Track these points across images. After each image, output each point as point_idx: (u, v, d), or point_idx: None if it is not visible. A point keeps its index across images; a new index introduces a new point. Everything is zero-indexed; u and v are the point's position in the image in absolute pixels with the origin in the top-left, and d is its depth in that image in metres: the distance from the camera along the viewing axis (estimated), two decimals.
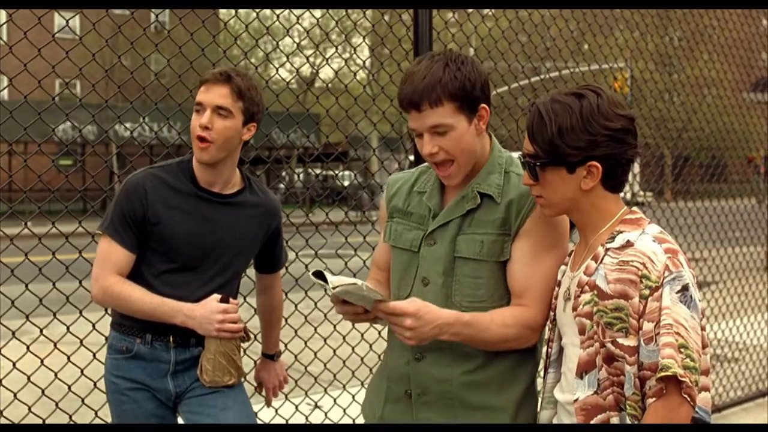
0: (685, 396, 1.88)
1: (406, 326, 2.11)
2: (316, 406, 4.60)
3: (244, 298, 3.17)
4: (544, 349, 2.33)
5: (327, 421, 4.40)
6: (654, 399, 1.91)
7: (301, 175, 26.34)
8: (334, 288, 2.05)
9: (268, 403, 3.24)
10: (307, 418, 4.34)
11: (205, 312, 2.66)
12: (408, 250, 2.40)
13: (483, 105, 2.26)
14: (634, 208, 2.14)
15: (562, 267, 2.25)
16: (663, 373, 1.87)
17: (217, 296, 2.70)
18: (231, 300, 2.70)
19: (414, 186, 2.47)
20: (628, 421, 1.98)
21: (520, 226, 2.27)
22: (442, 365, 2.31)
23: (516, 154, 2.36)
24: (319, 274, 2.09)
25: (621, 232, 2.04)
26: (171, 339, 2.76)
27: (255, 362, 3.27)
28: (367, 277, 2.59)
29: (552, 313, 2.25)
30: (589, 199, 2.08)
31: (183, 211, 2.74)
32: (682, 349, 1.89)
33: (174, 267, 2.75)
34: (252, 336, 2.86)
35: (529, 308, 2.26)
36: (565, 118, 2.01)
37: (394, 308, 2.11)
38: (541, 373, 2.34)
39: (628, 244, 2.00)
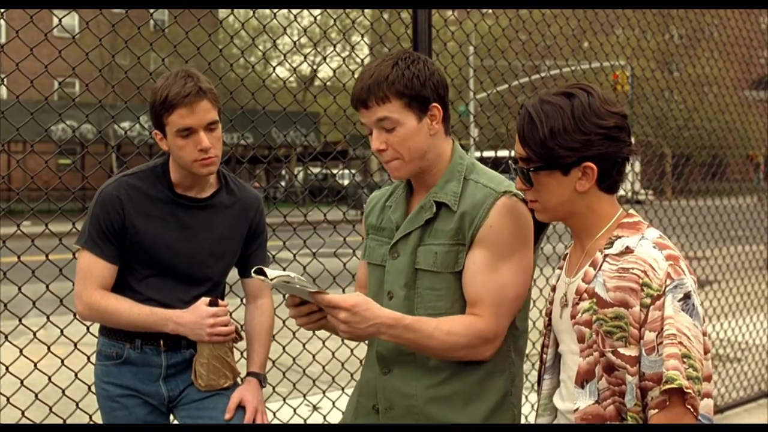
0: (689, 407, 1.84)
1: (341, 319, 2.07)
2: (315, 409, 4.57)
3: (241, 300, 3.12)
4: (539, 354, 2.28)
5: (325, 423, 4.36)
6: (656, 411, 1.87)
7: (300, 174, 26.33)
8: (271, 280, 2.03)
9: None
10: (305, 420, 4.30)
11: (195, 317, 2.61)
12: (380, 265, 2.38)
13: (435, 104, 2.23)
14: (631, 210, 2.09)
15: (557, 271, 2.20)
16: (668, 386, 1.83)
17: (205, 300, 2.65)
18: (220, 302, 2.65)
19: (387, 201, 2.45)
20: None
21: (473, 236, 2.22)
22: (408, 379, 2.28)
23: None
24: (260, 272, 2.07)
25: (619, 237, 1.99)
26: (161, 343, 2.71)
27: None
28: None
29: (547, 318, 2.20)
30: (584, 201, 2.02)
31: (161, 220, 2.68)
32: (685, 359, 1.84)
33: (157, 272, 2.71)
34: (243, 336, 2.82)
35: (481, 318, 2.21)
36: (556, 119, 1.95)
37: (329, 300, 2.07)
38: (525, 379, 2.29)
39: (628, 251, 1.95)
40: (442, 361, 2.25)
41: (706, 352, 1.93)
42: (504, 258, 2.22)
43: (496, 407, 2.29)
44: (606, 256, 1.98)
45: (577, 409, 1.99)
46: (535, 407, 2.27)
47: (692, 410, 1.84)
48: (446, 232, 2.25)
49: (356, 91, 2.24)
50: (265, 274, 2.06)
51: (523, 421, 2.43)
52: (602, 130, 1.95)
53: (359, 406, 2.41)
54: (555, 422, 2.17)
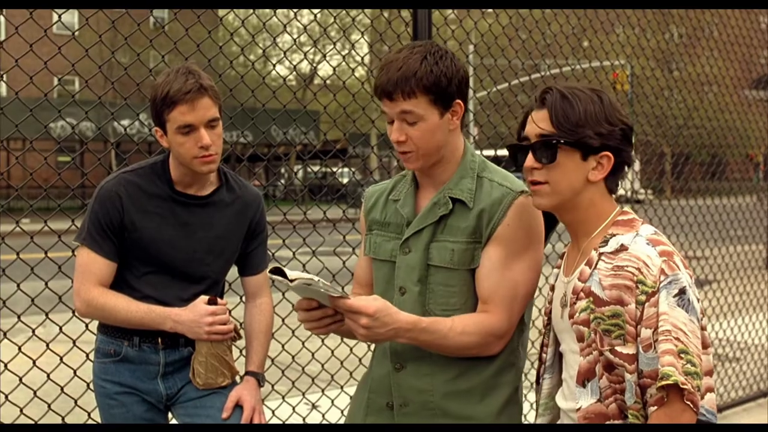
0: (688, 403, 1.83)
1: (362, 324, 2.08)
2: (314, 407, 4.56)
3: (241, 298, 3.11)
4: (538, 354, 2.28)
5: (324, 422, 4.36)
6: (655, 407, 1.87)
7: (300, 173, 26.32)
8: (292, 281, 2.00)
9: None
10: (304, 419, 4.30)
11: (194, 316, 2.60)
12: (388, 261, 2.37)
13: (458, 101, 2.24)
14: (626, 208, 2.10)
15: (555, 271, 2.20)
16: (664, 382, 1.83)
17: (204, 298, 2.64)
18: (219, 300, 2.64)
19: (390, 195, 2.44)
20: None
21: (490, 234, 2.24)
22: (423, 374, 2.29)
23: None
24: (277, 271, 2.04)
25: (614, 235, 2.00)
26: (159, 341, 2.70)
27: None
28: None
29: (545, 318, 2.21)
30: (589, 193, 2.03)
31: (160, 217, 2.68)
32: (682, 355, 1.84)
33: (156, 270, 2.70)
34: (243, 335, 2.81)
35: (493, 315, 2.23)
36: (589, 104, 1.99)
37: (352, 306, 2.07)
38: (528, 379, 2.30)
39: (622, 248, 1.96)
40: (456, 357, 2.26)
41: (706, 346, 1.94)
42: (518, 256, 2.24)
43: (508, 400, 2.31)
44: (601, 254, 1.99)
45: (579, 408, 2.00)
46: (534, 406, 2.27)
47: (692, 406, 1.84)
48: (462, 229, 2.26)
49: (382, 82, 2.21)
50: (283, 274, 2.02)
51: (522, 420, 2.43)
52: (624, 126, 2.01)
53: (370, 403, 2.40)
54: (558, 422, 2.18)
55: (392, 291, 2.33)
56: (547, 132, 2.01)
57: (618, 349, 1.91)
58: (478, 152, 2.46)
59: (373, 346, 2.52)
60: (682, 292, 1.89)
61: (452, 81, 2.20)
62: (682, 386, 1.82)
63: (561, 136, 1.99)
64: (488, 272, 2.23)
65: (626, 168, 2.06)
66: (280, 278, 2.03)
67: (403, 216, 2.35)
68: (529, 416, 4.46)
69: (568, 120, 1.99)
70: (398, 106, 2.20)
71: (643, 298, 1.89)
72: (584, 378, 1.99)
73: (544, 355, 2.22)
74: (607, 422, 1.96)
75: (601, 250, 1.99)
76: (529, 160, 2.04)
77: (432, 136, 2.22)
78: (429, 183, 2.35)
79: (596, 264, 1.98)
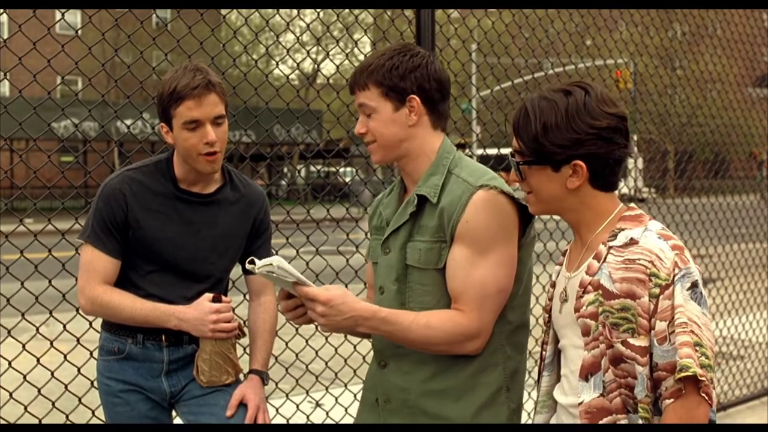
0: (703, 395, 1.85)
1: (318, 312, 2.12)
2: (318, 405, 4.56)
3: (244, 296, 3.12)
4: (538, 351, 2.27)
5: (328, 421, 4.36)
6: (672, 400, 1.87)
7: (303, 171, 26.32)
8: (259, 268, 2.09)
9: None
10: (308, 417, 4.30)
11: (198, 314, 2.61)
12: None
13: (413, 96, 2.28)
14: (632, 204, 2.09)
15: (557, 267, 2.19)
16: (683, 374, 1.84)
17: (209, 296, 2.64)
18: (223, 298, 2.64)
19: (384, 200, 2.50)
20: (640, 422, 1.93)
21: (453, 232, 2.23)
22: (402, 372, 2.32)
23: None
24: (254, 261, 2.13)
25: (623, 230, 1.99)
26: (163, 338, 2.70)
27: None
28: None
29: (546, 315, 2.19)
30: (577, 197, 2.02)
31: (163, 215, 2.68)
32: (697, 347, 1.85)
33: (159, 268, 2.70)
34: (247, 333, 2.81)
35: (463, 313, 2.21)
36: (549, 116, 1.97)
37: (307, 294, 2.12)
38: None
39: (633, 242, 1.95)
40: (434, 356, 2.26)
41: None
42: (483, 253, 2.20)
43: (487, 402, 2.27)
44: (610, 248, 1.98)
45: (581, 403, 1.99)
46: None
47: (707, 398, 1.85)
48: (430, 228, 2.27)
49: (349, 79, 2.37)
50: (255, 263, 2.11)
51: (525, 419, 2.42)
52: (594, 130, 1.95)
53: (364, 398, 2.47)
54: (554, 418, 2.17)
55: None
56: (516, 149, 2.04)
57: (630, 341, 1.91)
58: (480, 151, 2.47)
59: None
60: (695, 285, 1.90)
61: (406, 76, 2.27)
62: (700, 378, 1.82)
63: (524, 155, 2.01)
64: (454, 271, 2.23)
65: (614, 166, 2.00)
66: (252, 266, 2.11)
67: (384, 218, 2.40)
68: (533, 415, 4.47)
69: (528, 137, 2.00)
70: (357, 99, 2.33)
71: (656, 290, 1.89)
72: (588, 372, 1.98)
73: (543, 352, 2.21)
74: (609, 417, 1.96)
75: (610, 243, 1.98)
76: (513, 174, 2.09)
77: (386, 128, 2.29)
78: (411, 184, 2.38)
79: (605, 257, 1.97)
